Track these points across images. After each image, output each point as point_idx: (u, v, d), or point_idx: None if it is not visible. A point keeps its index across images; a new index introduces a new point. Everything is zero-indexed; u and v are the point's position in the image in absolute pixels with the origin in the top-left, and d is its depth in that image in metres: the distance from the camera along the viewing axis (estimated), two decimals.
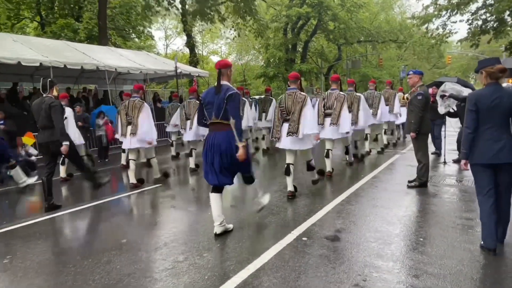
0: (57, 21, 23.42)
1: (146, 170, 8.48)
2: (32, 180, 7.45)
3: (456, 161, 8.06)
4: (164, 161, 10.36)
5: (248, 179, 4.41)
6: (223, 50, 49.07)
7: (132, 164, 6.97)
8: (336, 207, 5.03)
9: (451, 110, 7.72)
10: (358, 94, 8.00)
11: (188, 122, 8.37)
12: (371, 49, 39.05)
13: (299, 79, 5.66)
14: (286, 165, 5.65)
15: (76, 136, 7.93)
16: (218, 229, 4.13)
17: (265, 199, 4.59)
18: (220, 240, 4.03)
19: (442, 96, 7.46)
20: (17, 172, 7.25)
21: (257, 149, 10.90)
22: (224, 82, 4.04)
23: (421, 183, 5.97)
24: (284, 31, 30.67)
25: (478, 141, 3.51)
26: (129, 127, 6.81)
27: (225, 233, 4.19)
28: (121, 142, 7.42)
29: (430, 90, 8.67)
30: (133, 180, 6.92)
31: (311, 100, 5.67)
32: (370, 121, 8.50)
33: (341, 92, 7.11)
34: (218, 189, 4.18)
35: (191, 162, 8.36)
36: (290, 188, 5.66)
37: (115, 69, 14.57)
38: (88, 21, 22.06)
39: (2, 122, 8.79)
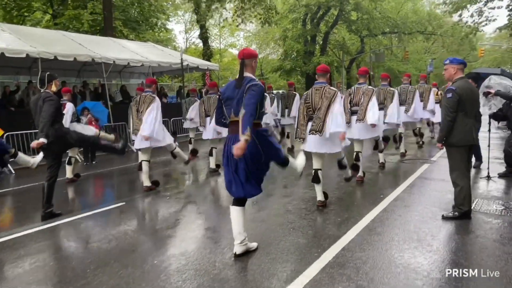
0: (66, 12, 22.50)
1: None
2: (39, 157, 6.79)
3: (503, 175, 6.40)
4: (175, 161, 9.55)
5: (283, 164, 3.77)
6: (241, 43, 47.52)
7: (145, 166, 6.44)
8: (338, 256, 3.49)
9: (497, 111, 6.10)
10: (392, 89, 7.38)
11: (208, 119, 7.92)
12: (397, 42, 36.79)
13: (328, 72, 5.06)
14: (313, 171, 5.05)
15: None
16: (238, 249, 3.58)
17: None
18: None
19: (486, 94, 5.85)
20: (22, 158, 6.97)
21: None
22: (247, 74, 3.50)
23: (461, 214, 4.38)
24: (303, 21, 28.93)
25: None
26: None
27: (246, 253, 3.57)
28: None
29: None
30: (147, 183, 6.44)
31: None
32: (401, 119, 7.78)
33: (369, 86, 6.32)
34: (240, 201, 3.60)
35: (211, 162, 8.01)
36: (320, 197, 5.05)
37: (114, 61, 13.36)
38: (94, 11, 20.94)
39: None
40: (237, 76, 3.52)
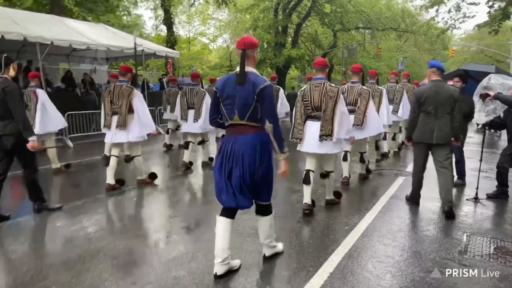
0: None
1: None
2: None
3: (493, 196, 5.28)
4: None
5: (264, 209, 3.22)
6: (211, 31, 45.63)
7: (113, 161, 5.90)
8: None
9: (495, 119, 4.96)
10: (380, 87, 7.12)
11: (190, 111, 7.43)
12: (369, 38, 36.02)
13: (327, 66, 4.71)
14: (305, 172, 4.72)
15: (58, 120, 7.23)
16: (219, 269, 3.06)
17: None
18: None
19: (484, 96, 4.69)
20: None
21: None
22: (249, 69, 3.02)
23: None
24: (274, 11, 27.48)
25: None
26: (115, 117, 5.79)
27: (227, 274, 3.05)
28: None
29: (451, 84, 5.89)
30: (110, 180, 5.84)
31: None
32: (391, 119, 7.65)
33: (364, 87, 6.03)
34: (231, 213, 3.13)
35: (186, 156, 7.45)
36: (307, 200, 4.65)
37: (52, 42, 11.56)
38: None
39: None
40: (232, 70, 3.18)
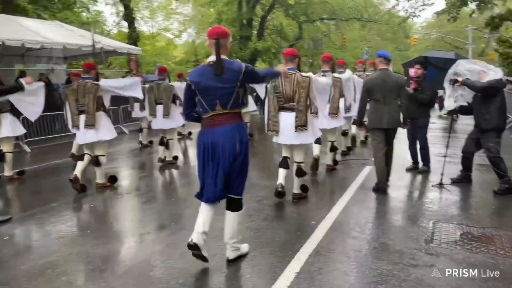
0: None
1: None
2: None
3: (457, 181, 5.33)
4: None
5: (236, 204, 3.14)
6: (175, 26, 44.65)
7: (86, 159, 5.76)
8: None
9: (465, 104, 5.02)
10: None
11: (159, 107, 7.31)
12: (334, 29, 36.34)
13: (297, 56, 4.64)
14: (282, 157, 4.83)
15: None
16: (196, 237, 2.99)
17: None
18: None
19: (453, 82, 4.73)
20: None
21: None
22: (224, 57, 2.97)
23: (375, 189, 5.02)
24: (238, 4, 27.20)
25: None
26: (82, 117, 5.61)
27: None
28: None
29: (412, 72, 5.96)
30: (78, 172, 5.61)
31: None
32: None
33: (335, 75, 6.08)
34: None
35: (160, 152, 7.40)
36: (281, 180, 4.70)
37: (3, 42, 10.91)
38: None
39: None
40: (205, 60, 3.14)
